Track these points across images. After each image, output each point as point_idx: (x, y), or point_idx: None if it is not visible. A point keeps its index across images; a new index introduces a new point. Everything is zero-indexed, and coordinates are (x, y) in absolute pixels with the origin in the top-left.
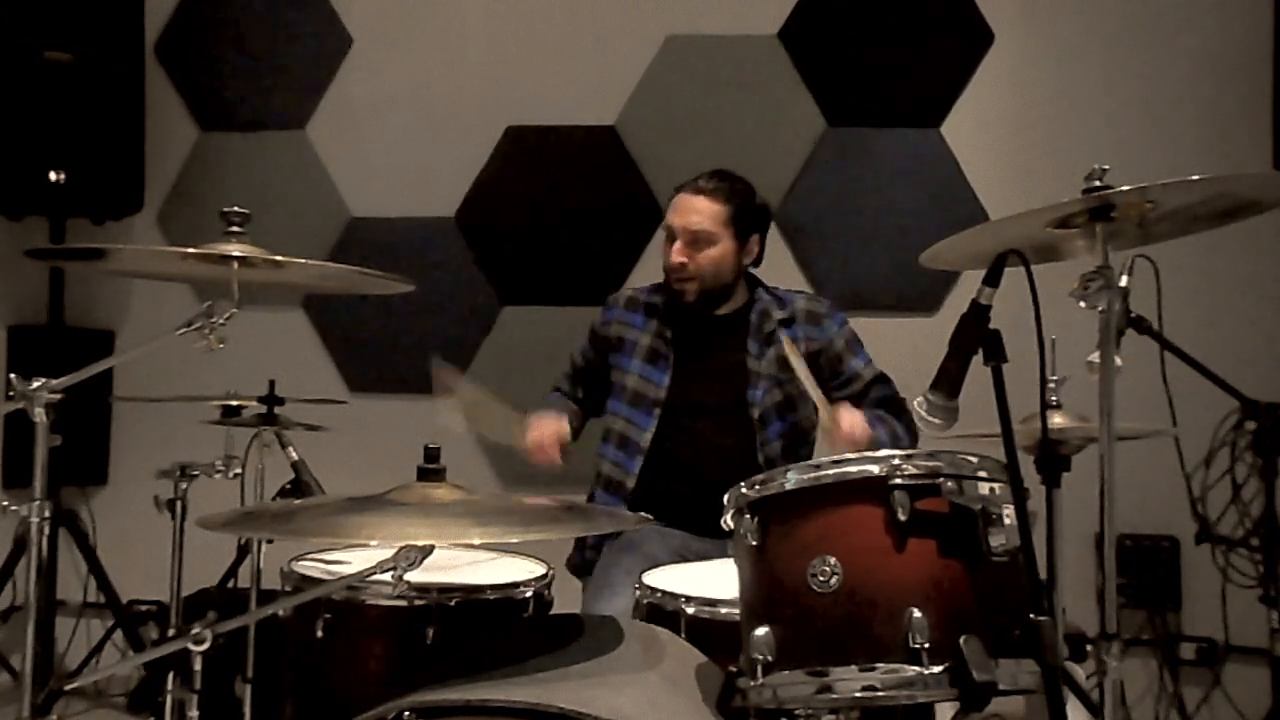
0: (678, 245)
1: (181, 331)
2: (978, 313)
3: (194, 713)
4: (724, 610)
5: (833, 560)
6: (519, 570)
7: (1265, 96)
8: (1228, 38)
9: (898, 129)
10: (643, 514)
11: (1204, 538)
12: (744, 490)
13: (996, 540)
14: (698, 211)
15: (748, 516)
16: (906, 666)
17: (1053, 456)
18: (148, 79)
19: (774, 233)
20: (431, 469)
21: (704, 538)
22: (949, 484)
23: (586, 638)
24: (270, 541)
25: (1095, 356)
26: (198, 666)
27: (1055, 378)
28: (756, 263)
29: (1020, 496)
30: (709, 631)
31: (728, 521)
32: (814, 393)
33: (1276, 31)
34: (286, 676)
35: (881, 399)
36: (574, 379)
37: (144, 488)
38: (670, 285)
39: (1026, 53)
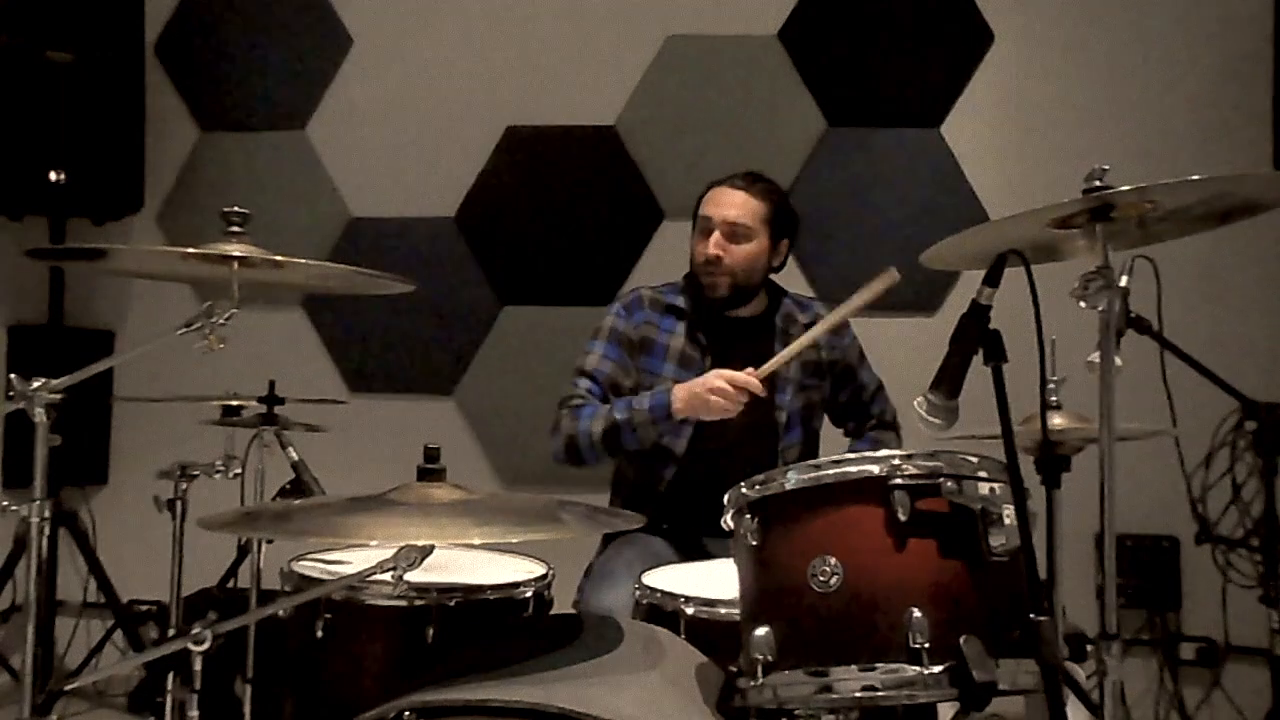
0: (715, 237)
1: (181, 331)
2: (978, 313)
3: (194, 713)
4: (724, 610)
5: (833, 560)
6: (519, 570)
7: (1265, 96)
8: (1228, 38)
9: (898, 129)
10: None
11: (1204, 538)
12: (744, 490)
13: (996, 540)
14: (737, 205)
15: (748, 516)
16: (907, 666)
17: (1053, 456)
18: (148, 79)
19: None
20: (431, 469)
21: (717, 538)
22: (949, 484)
23: (586, 637)
24: (270, 541)
25: (1095, 356)
26: (198, 666)
27: (1055, 378)
28: (779, 269)
29: (1020, 496)
30: (709, 631)
31: (728, 521)
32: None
33: (1276, 31)
34: (286, 676)
35: (882, 419)
36: (604, 392)
37: (144, 488)
38: (699, 279)
39: (1026, 53)
